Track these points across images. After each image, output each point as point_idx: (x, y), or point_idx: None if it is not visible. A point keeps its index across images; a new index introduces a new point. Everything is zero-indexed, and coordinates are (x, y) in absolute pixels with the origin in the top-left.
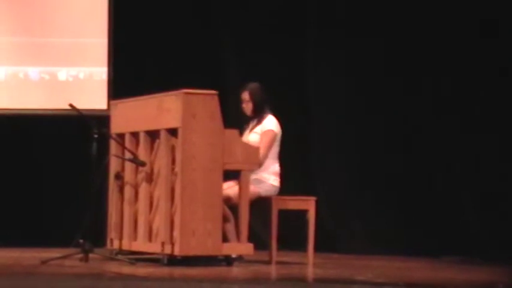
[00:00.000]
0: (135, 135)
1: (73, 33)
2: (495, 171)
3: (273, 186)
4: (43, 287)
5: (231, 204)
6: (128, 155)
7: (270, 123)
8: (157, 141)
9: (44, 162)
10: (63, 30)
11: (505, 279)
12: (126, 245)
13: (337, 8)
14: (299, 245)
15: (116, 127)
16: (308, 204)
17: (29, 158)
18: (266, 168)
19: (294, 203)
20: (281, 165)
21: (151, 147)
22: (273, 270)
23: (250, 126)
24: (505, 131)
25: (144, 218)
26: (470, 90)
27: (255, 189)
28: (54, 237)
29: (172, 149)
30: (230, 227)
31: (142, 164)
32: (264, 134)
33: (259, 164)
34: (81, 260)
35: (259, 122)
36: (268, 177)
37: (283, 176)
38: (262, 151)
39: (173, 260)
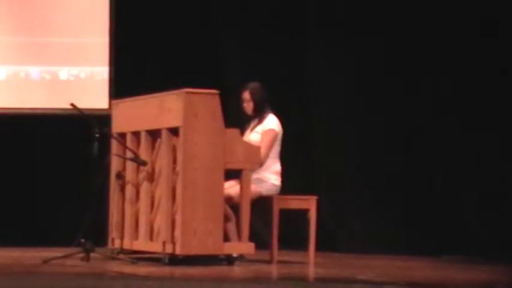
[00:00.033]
0: (136, 134)
1: (74, 32)
2: (495, 171)
3: (274, 185)
4: (44, 287)
5: (232, 204)
6: (129, 155)
7: (271, 122)
8: (159, 140)
9: (44, 161)
10: (64, 29)
11: (505, 278)
12: (127, 245)
13: (337, 8)
14: (300, 244)
15: (117, 126)
16: (309, 204)
17: (30, 157)
18: (267, 167)
19: (295, 202)
20: (282, 165)
21: (153, 147)
22: (274, 270)
23: (251, 125)
24: (505, 131)
25: (146, 217)
26: (470, 90)
27: (256, 188)
28: (55, 236)
29: (174, 149)
30: (231, 226)
31: (144, 163)
32: (265, 133)
33: (260, 164)
34: (82, 259)
35: (260, 121)
36: (269, 176)
37: (284, 175)
38: (263, 151)
39: (174, 260)
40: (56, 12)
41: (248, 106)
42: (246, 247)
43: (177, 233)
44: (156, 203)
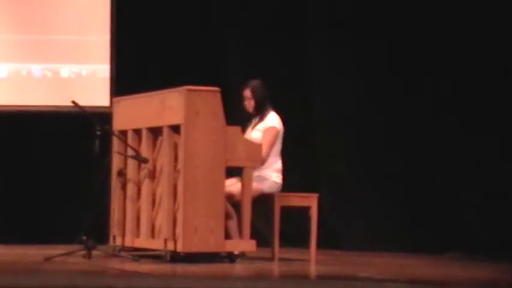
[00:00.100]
0: (137, 132)
1: (76, 30)
2: (496, 170)
3: (276, 183)
4: (46, 284)
5: (234, 201)
6: (130, 152)
7: (272, 120)
8: (160, 138)
9: (46, 159)
10: (66, 27)
11: (507, 276)
12: (129, 242)
13: (337, 8)
14: (301, 241)
15: (118, 124)
16: (310, 201)
17: (31, 155)
18: (269, 165)
19: (297, 199)
20: (283, 162)
21: (154, 144)
22: (275, 267)
23: (253, 123)
24: (506, 131)
25: (147, 214)
26: (471, 90)
27: (257, 186)
28: (57, 234)
29: (175, 146)
30: (233, 224)
31: (145, 161)
32: (266, 131)
33: (262, 162)
34: (84, 256)
35: (261, 119)
36: (270, 174)
37: (286, 172)
38: (264, 149)
39: (176, 257)
40: (58, 10)
41: (249, 104)
42: (248, 245)
43: (179, 230)
44: (157, 200)
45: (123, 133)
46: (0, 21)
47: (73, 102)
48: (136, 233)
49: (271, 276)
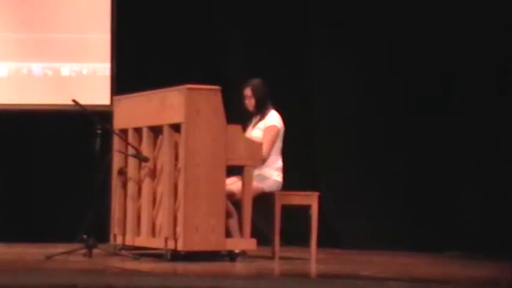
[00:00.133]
0: (138, 130)
1: (76, 29)
2: (496, 170)
3: (276, 181)
4: (47, 282)
5: (235, 200)
6: (131, 151)
7: (273, 118)
8: (161, 137)
9: (46, 157)
10: (66, 26)
11: (508, 275)
12: (129, 241)
13: (337, 8)
14: (302, 240)
15: (119, 123)
16: (311, 200)
17: (32, 153)
18: (269, 164)
19: (297, 198)
20: (283, 161)
21: (155, 143)
22: (276, 266)
23: (253, 122)
24: (506, 131)
25: (148, 213)
26: (472, 90)
27: (258, 184)
28: (57, 233)
29: (176, 145)
30: (233, 222)
31: (146, 159)
32: (267, 130)
33: (262, 160)
34: (85, 255)
35: (262, 117)
36: (271, 173)
37: (286, 172)
38: (265, 147)
39: (176, 256)
40: (59, 9)
41: (250, 102)
42: (248, 243)
43: (179, 229)
44: (158, 199)
45: (124, 132)
46: (0, 20)
47: (74, 100)
48: (137, 231)
49: (272, 275)
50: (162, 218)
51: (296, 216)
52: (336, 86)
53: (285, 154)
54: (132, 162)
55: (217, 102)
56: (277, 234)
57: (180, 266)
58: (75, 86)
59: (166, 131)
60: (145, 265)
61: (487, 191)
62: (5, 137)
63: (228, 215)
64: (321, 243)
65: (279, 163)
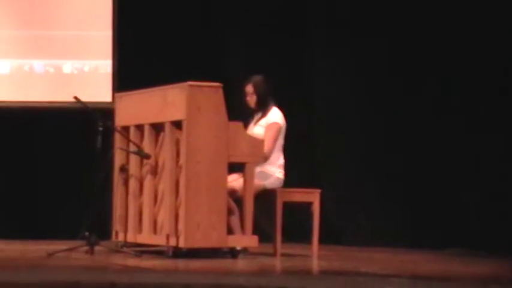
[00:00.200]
0: (139, 128)
1: (78, 26)
2: (496, 170)
3: (278, 178)
4: (49, 280)
5: (236, 197)
6: (132, 148)
7: (275, 115)
8: (162, 134)
9: (48, 155)
10: (68, 23)
11: (509, 272)
12: (131, 238)
13: (337, 8)
14: (303, 237)
15: (120, 120)
16: (313, 197)
17: (33, 150)
18: (271, 161)
19: (299, 195)
20: (285, 158)
21: (156, 140)
22: (277, 263)
23: (255, 119)
24: (506, 131)
25: (149, 210)
26: (473, 90)
27: (260, 181)
28: (59, 230)
29: (177, 142)
30: (235, 219)
31: (147, 156)
32: (268, 127)
33: (265, 158)
34: (86, 252)
35: (263, 114)
36: (273, 170)
37: (288, 168)
38: (268, 145)
39: (178, 253)
40: (60, 6)
41: (251, 99)
42: (250, 240)
43: (181, 226)
44: (159, 196)
45: (125, 129)
46: (2, 17)
47: (75, 98)
48: (139, 228)
49: (274, 272)
50: (164, 215)
51: (298, 213)
52: (336, 86)
53: (286, 154)
54: (133, 159)
55: (218, 99)
56: (278, 231)
57: (182, 263)
58: (77, 83)
59: (167, 128)
60: (147, 262)
61: (487, 191)
62: (7, 134)
63: (230, 212)
64: (322, 240)
65: (281, 160)
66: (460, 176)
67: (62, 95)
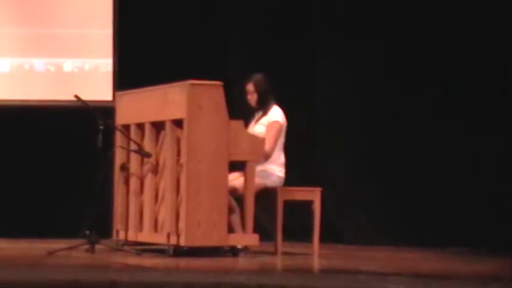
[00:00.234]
0: (140, 126)
1: (78, 24)
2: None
3: (279, 177)
4: (49, 278)
5: (237, 195)
6: (133, 147)
7: (276, 114)
8: (163, 132)
9: (49, 153)
10: (68, 21)
11: (510, 271)
12: (132, 236)
13: (337, 8)
14: (304, 235)
15: (121, 118)
16: (313, 195)
17: (34, 149)
18: (272, 159)
19: (300, 193)
20: (285, 156)
21: (157, 139)
22: (278, 261)
23: (256, 117)
24: (506, 131)
25: (150, 209)
26: (473, 90)
27: (261, 180)
28: (60, 228)
29: (178, 141)
30: (235, 218)
31: (148, 155)
32: (270, 126)
33: (267, 157)
34: (87, 251)
35: (264, 113)
36: (274, 168)
37: (287, 168)
38: (269, 143)
39: (179, 251)
40: (61, 4)
41: (252, 98)
42: (251, 239)
43: (182, 224)
44: (160, 195)
45: (126, 127)
46: (2, 15)
47: (76, 96)
48: (140, 227)
49: (274, 270)
50: (165, 214)
51: (298, 212)
52: (336, 86)
53: (288, 149)
54: (134, 157)
55: (219, 98)
56: (279, 229)
57: (183, 262)
58: (77, 82)
59: (168, 126)
60: (148, 261)
61: (487, 191)
62: (7, 133)
63: (231, 210)
64: (323, 239)
65: (282, 159)
66: (460, 176)
67: (62, 94)
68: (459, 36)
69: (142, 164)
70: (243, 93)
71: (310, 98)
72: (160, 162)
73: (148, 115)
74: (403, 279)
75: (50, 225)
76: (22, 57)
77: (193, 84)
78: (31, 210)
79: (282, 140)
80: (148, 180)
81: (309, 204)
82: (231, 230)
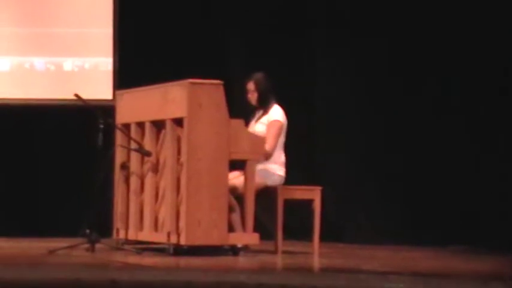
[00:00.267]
0: (140, 125)
1: (78, 23)
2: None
3: (280, 176)
4: (50, 277)
5: (237, 194)
6: (133, 145)
7: (276, 113)
8: (163, 131)
9: (49, 152)
10: (68, 20)
11: (511, 269)
12: (132, 235)
13: (337, 8)
14: (305, 234)
15: (121, 117)
16: (314, 194)
17: (34, 148)
18: (273, 159)
19: (300, 192)
20: (286, 155)
21: (157, 138)
22: (278, 260)
23: (256, 116)
24: (506, 131)
25: (150, 208)
26: (471, 90)
27: (261, 179)
28: (60, 227)
29: (178, 139)
30: (236, 216)
31: (148, 154)
32: (270, 125)
33: (267, 155)
34: (87, 250)
35: (265, 112)
36: (275, 167)
37: (287, 167)
38: (270, 142)
39: (179, 250)
40: (61, 3)
41: (252, 97)
42: (251, 237)
43: (182, 223)
44: (160, 193)
45: (126, 126)
46: (2, 15)
47: (76, 95)
48: (140, 226)
49: (275, 269)
50: (165, 213)
51: (299, 211)
52: (336, 86)
53: (288, 148)
54: (134, 156)
55: (219, 97)
56: (279, 228)
57: (183, 261)
58: (78, 81)
59: (168, 125)
60: (148, 259)
61: (487, 191)
62: (7, 132)
63: (231, 209)
64: (323, 238)
65: (282, 158)
66: (460, 176)
67: (62, 93)
68: (459, 36)
69: (142, 162)
70: (244, 92)
71: (310, 98)
72: (161, 161)
73: (148, 114)
74: (404, 278)
75: (50, 224)
76: (22, 56)
77: (193, 83)
78: (31, 209)
79: (282, 139)
80: (149, 179)
81: (309, 203)
82: (231, 229)
